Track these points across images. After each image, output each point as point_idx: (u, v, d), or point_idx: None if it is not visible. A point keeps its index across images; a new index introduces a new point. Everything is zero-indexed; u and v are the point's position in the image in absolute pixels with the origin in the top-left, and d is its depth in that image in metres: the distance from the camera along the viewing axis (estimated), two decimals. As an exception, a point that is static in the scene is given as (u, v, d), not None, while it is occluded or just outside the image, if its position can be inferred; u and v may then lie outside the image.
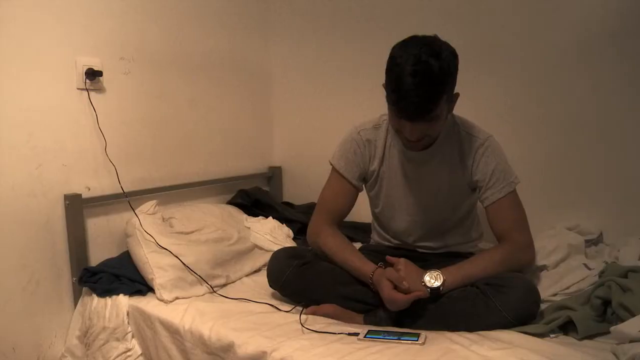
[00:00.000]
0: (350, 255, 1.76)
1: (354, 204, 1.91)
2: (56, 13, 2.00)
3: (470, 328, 1.55)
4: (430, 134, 1.65)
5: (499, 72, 2.23)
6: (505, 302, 1.53)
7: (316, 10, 2.75)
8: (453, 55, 1.56)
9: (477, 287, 1.59)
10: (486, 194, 1.73)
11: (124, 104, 2.25)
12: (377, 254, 1.86)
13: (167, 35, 2.41)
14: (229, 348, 1.57)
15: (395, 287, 1.58)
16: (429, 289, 1.58)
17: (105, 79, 2.15)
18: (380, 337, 1.51)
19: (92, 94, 2.11)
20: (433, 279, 1.59)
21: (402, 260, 1.65)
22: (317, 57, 2.69)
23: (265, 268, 1.95)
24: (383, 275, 1.62)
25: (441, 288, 1.58)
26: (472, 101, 2.16)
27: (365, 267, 1.70)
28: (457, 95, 1.64)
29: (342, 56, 2.60)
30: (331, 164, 1.90)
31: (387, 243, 1.98)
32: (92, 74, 2.08)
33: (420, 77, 1.47)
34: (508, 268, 1.66)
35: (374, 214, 2.01)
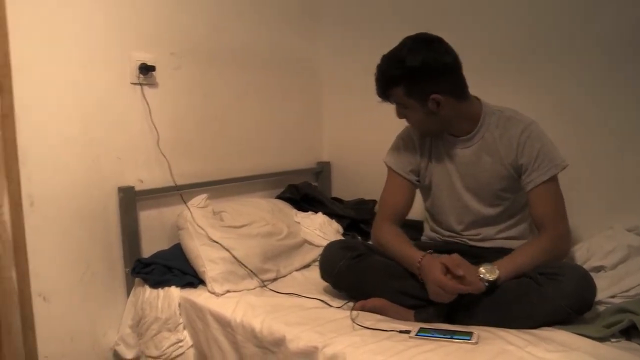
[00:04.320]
0: (402, 245, 1.76)
1: (412, 200, 1.94)
2: (111, 9, 2.03)
3: (525, 319, 1.53)
4: (408, 117, 1.79)
5: (554, 67, 2.17)
6: (559, 289, 1.50)
7: (366, 3, 2.74)
8: (435, 61, 1.65)
9: (529, 277, 1.56)
10: (531, 176, 1.72)
11: (176, 98, 2.27)
12: (426, 250, 1.85)
13: (217, 30, 2.42)
14: (280, 342, 1.57)
15: (448, 274, 1.57)
16: (486, 283, 1.55)
17: (157, 74, 2.18)
18: (432, 335, 1.49)
19: (145, 88, 2.14)
20: (488, 273, 1.56)
21: (456, 254, 1.63)
22: (367, 51, 2.66)
23: (315, 263, 1.95)
24: (434, 259, 1.61)
25: (497, 282, 1.56)
26: (526, 97, 2.13)
27: (414, 253, 1.69)
28: (437, 99, 1.68)
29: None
30: (385, 164, 1.96)
31: (438, 237, 1.98)
32: (146, 69, 2.12)
33: (384, 60, 1.72)
34: (554, 256, 1.66)
35: (426, 209, 2.02)
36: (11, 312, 1.83)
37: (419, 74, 1.65)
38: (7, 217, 1.81)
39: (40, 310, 1.89)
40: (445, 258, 1.60)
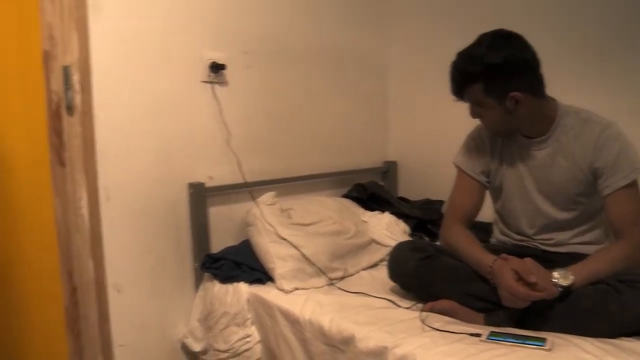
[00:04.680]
0: (472, 247, 1.73)
1: (482, 201, 1.89)
2: (184, 8, 2.08)
3: (602, 328, 1.46)
4: (483, 117, 1.72)
5: (634, 66, 2.10)
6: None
7: (436, 1, 2.72)
8: (515, 58, 1.59)
9: (607, 283, 1.50)
10: (608, 181, 1.64)
11: (246, 96, 2.31)
12: (497, 254, 1.81)
13: (287, 30, 2.45)
14: (349, 341, 1.57)
15: (520, 280, 1.52)
16: (560, 288, 1.50)
17: (228, 72, 2.22)
18: (504, 339, 1.46)
19: (215, 86, 2.18)
20: (562, 278, 1.50)
21: (528, 258, 1.58)
22: (435, 51, 2.65)
23: (382, 263, 1.94)
24: (506, 264, 1.56)
25: (571, 288, 1.51)
26: (604, 98, 2.06)
27: (485, 257, 1.65)
28: (516, 97, 1.62)
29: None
30: (454, 164, 1.92)
31: (508, 240, 1.92)
32: (216, 68, 2.16)
33: (461, 57, 1.66)
34: (634, 263, 1.58)
35: (495, 210, 1.97)
36: (89, 302, 1.91)
37: (499, 71, 1.60)
38: (85, 210, 1.89)
39: (114, 300, 1.95)
40: (516, 263, 1.55)
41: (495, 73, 1.60)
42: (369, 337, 1.53)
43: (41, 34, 1.85)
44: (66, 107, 1.85)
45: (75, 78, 1.84)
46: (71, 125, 1.87)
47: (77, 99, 1.84)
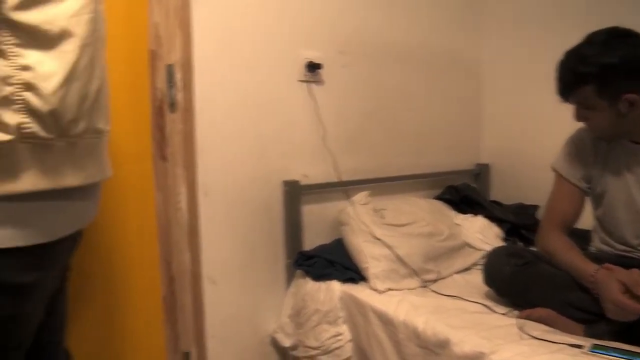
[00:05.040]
0: (572, 254, 1.66)
1: (582, 208, 1.81)
2: (282, 8, 2.12)
3: None
4: (590, 119, 1.64)
5: None
6: None
7: (532, 2, 2.65)
8: (635, 58, 1.51)
9: None
10: None
11: (342, 95, 2.32)
12: (599, 263, 1.73)
13: (382, 29, 2.45)
14: (444, 344, 1.55)
15: (627, 293, 1.44)
16: None
17: (324, 72, 2.23)
18: (609, 353, 1.38)
19: (312, 85, 2.20)
20: None
21: (636, 269, 1.50)
22: (531, 52, 2.58)
23: (476, 267, 1.90)
24: (611, 275, 1.48)
25: None
26: None
27: (587, 266, 1.58)
28: (630, 99, 1.54)
29: (560, 51, 2.44)
30: (553, 169, 1.84)
31: (609, 249, 1.82)
32: (313, 67, 2.18)
33: (572, 56, 1.59)
34: None
35: (595, 218, 1.87)
36: (185, 292, 1.97)
37: (616, 72, 1.52)
38: (184, 204, 1.95)
39: (208, 292, 2.00)
40: (623, 275, 1.47)
41: (611, 73, 1.52)
42: (464, 342, 1.50)
43: (148, 33, 1.93)
44: (169, 104, 1.92)
45: (178, 76, 1.90)
46: (173, 122, 1.93)
47: (179, 97, 1.91)
